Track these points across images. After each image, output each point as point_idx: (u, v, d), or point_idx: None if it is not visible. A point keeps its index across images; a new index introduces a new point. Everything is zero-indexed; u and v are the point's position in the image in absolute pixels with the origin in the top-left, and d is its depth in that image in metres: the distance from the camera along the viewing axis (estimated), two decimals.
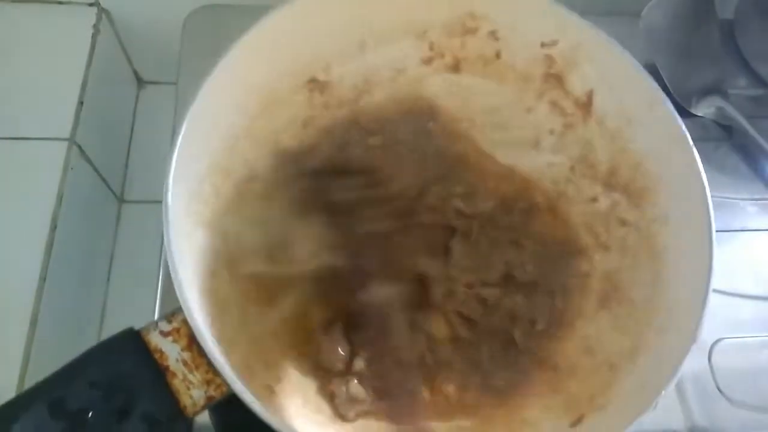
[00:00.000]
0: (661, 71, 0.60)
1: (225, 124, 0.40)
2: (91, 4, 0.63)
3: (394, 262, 0.43)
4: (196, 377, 0.32)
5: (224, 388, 0.32)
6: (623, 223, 0.43)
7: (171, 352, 0.32)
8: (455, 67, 0.47)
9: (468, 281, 0.41)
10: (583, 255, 0.43)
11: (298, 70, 0.44)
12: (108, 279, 0.63)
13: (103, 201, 0.64)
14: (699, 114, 0.60)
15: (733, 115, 0.59)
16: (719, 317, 0.50)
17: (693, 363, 0.47)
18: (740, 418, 0.47)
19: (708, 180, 0.57)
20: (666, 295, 0.38)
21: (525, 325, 0.41)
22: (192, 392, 0.32)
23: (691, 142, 0.39)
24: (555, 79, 0.45)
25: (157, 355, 0.32)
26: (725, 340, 0.49)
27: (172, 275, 0.32)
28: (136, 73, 0.72)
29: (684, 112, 0.60)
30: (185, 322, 0.32)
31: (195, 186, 0.37)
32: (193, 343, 0.32)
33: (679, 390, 0.47)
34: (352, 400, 0.37)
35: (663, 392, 0.32)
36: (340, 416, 0.37)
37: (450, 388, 0.39)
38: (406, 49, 0.46)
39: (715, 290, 0.51)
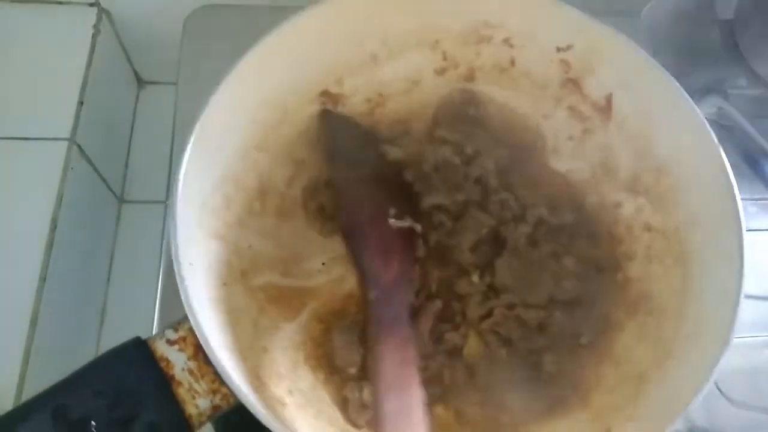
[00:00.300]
0: None
1: (237, 136, 0.40)
2: (91, 5, 0.63)
3: (427, 281, 0.42)
4: (202, 386, 0.32)
5: (231, 398, 0.32)
6: (649, 228, 0.42)
7: (177, 360, 0.32)
8: (470, 77, 0.46)
9: (510, 302, 0.40)
10: (613, 265, 0.42)
11: (311, 83, 0.43)
12: (108, 279, 0.63)
13: (103, 201, 0.64)
14: None
15: (733, 115, 0.59)
16: None
17: None
18: (740, 418, 0.47)
19: None
20: (696, 302, 0.37)
21: (568, 343, 0.40)
22: (198, 401, 0.32)
23: (716, 140, 0.37)
24: (572, 83, 0.44)
25: (163, 364, 0.32)
26: None
27: (179, 283, 0.32)
28: (136, 73, 0.72)
29: None
30: (192, 331, 0.31)
31: (206, 197, 0.37)
32: (199, 352, 0.32)
33: None
34: (365, 406, 0.36)
35: (694, 401, 0.31)
36: (351, 422, 0.37)
37: (465, 405, 0.38)
38: (419, 61, 0.45)
39: None
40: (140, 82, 0.73)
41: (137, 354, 0.32)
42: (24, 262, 0.50)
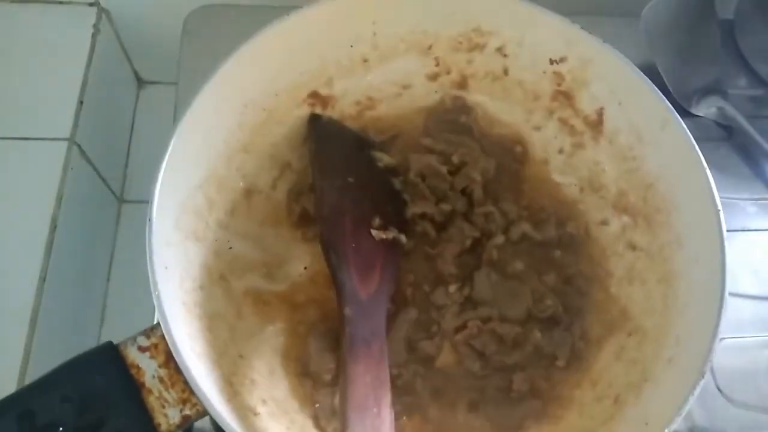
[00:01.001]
0: (661, 71, 0.60)
1: (221, 136, 0.39)
2: (91, 4, 0.63)
3: (402, 287, 0.41)
4: (171, 395, 0.32)
5: (200, 408, 0.31)
6: (634, 247, 0.41)
7: (148, 368, 0.32)
8: (462, 84, 0.46)
9: (487, 316, 0.40)
10: (596, 284, 0.42)
11: (300, 84, 0.43)
12: (108, 278, 0.63)
13: (102, 201, 0.64)
14: (699, 114, 0.60)
15: (733, 115, 0.59)
16: None
17: None
18: (740, 418, 0.46)
19: None
20: (676, 324, 0.37)
21: (544, 362, 0.39)
22: (167, 411, 0.31)
23: (704, 163, 0.37)
24: (564, 96, 0.44)
25: (133, 371, 0.32)
26: (725, 340, 0.49)
27: (152, 288, 0.31)
28: (136, 73, 0.72)
29: (684, 112, 0.60)
30: (164, 338, 0.31)
31: (187, 197, 0.37)
32: (170, 359, 0.31)
33: None
34: (335, 412, 0.36)
35: (667, 430, 0.31)
36: (321, 429, 0.36)
37: (440, 418, 0.38)
38: (410, 65, 0.45)
39: None
40: (140, 81, 0.73)
41: (107, 359, 0.32)
42: (24, 261, 0.50)
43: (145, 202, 0.71)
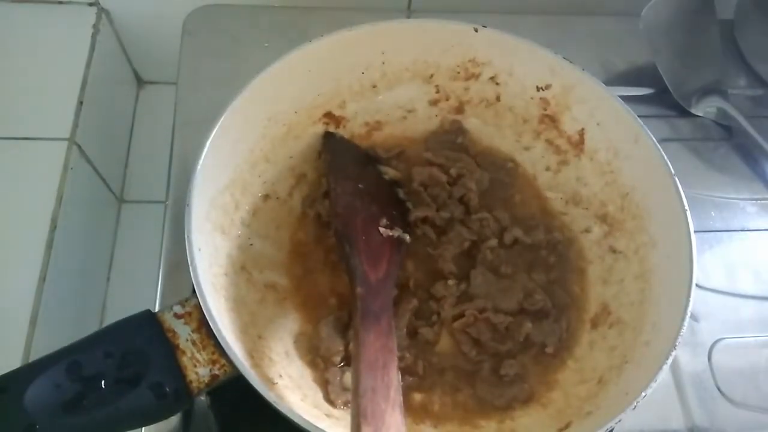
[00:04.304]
0: (660, 71, 0.60)
1: (247, 145, 0.44)
2: (90, 4, 0.63)
3: (406, 279, 0.45)
4: (202, 356, 0.36)
5: (228, 369, 0.35)
6: (614, 250, 0.46)
7: (182, 332, 0.36)
8: (459, 109, 0.51)
9: (482, 307, 0.43)
10: (580, 282, 0.46)
11: (316, 104, 0.48)
12: (108, 278, 0.63)
13: (102, 201, 0.64)
14: (699, 114, 0.60)
15: (733, 115, 0.59)
16: (719, 317, 0.50)
17: (693, 363, 0.48)
18: (740, 418, 0.47)
19: (708, 180, 0.58)
20: (652, 314, 0.40)
21: (535, 350, 0.43)
22: (198, 369, 0.35)
23: (672, 170, 0.42)
24: (550, 119, 0.49)
25: (169, 334, 0.36)
26: (725, 340, 0.49)
27: (189, 262, 0.35)
28: (135, 72, 0.72)
29: (684, 112, 0.61)
30: (197, 307, 0.36)
31: (216, 195, 0.41)
32: (202, 326, 0.36)
33: (679, 390, 0.47)
34: (345, 389, 0.40)
35: (644, 395, 0.34)
36: (331, 402, 0.40)
37: (440, 396, 0.41)
38: (414, 92, 0.50)
39: (714, 290, 0.52)
40: (140, 81, 0.73)
41: (147, 323, 0.36)
42: (24, 261, 0.51)
43: (145, 202, 0.72)
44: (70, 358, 0.34)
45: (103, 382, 0.33)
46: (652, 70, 0.60)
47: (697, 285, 0.38)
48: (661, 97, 0.60)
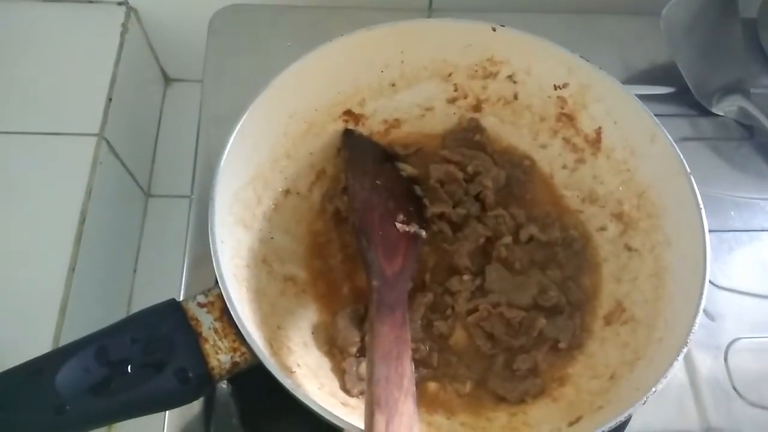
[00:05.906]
0: (681, 70, 0.60)
1: (269, 142, 0.45)
2: (120, 3, 0.64)
3: (421, 273, 0.46)
4: (224, 344, 0.37)
5: (248, 356, 0.37)
6: (629, 249, 0.46)
7: (205, 320, 0.37)
8: (477, 108, 0.51)
9: (496, 302, 0.44)
10: (594, 280, 0.46)
11: (336, 102, 0.49)
12: (134, 270, 0.65)
13: (130, 195, 0.66)
14: (720, 113, 0.60)
15: (754, 114, 0.59)
16: (735, 317, 0.50)
17: (709, 363, 0.48)
18: (756, 418, 0.46)
19: (728, 179, 0.58)
20: (665, 311, 0.41)
21: (548, 345, 0.43)
22: (220, 356, 0.37)
23: (688, 168, 0.42)
24: (567, 118, 0.49)
25: (192, 322, 0.37)
26: (741, 340, 0.49)
27: (212, 254, 0.37)
28: (163, 70, 0.74)
29: (705, 111, 0.60)
30: (219, 297, 0.37)
31: (239, 189, 0.42)
32: (224, 315, 0.37)
33: (695, 390, 0.47)
34: (360, 378, 0.40)
35: (654, 390, 0.35)
36: (347, 392, 0.40)
37: (454, 387, 0.42)
38: (432, 90, 0.51)
39: (731, 290, 0.51)
40: (167, 79, 0.75)
41: (171, 312, 0.37)
42: (54, 252, 0.52)
43: (171, 196, 0.73)
44: (98, 343, 0.35)
45: (129, 366, 0.35)
46: (673, 69, 0.60)
47: (713, 284, 0.38)
48: (681, 96, 0.60)
